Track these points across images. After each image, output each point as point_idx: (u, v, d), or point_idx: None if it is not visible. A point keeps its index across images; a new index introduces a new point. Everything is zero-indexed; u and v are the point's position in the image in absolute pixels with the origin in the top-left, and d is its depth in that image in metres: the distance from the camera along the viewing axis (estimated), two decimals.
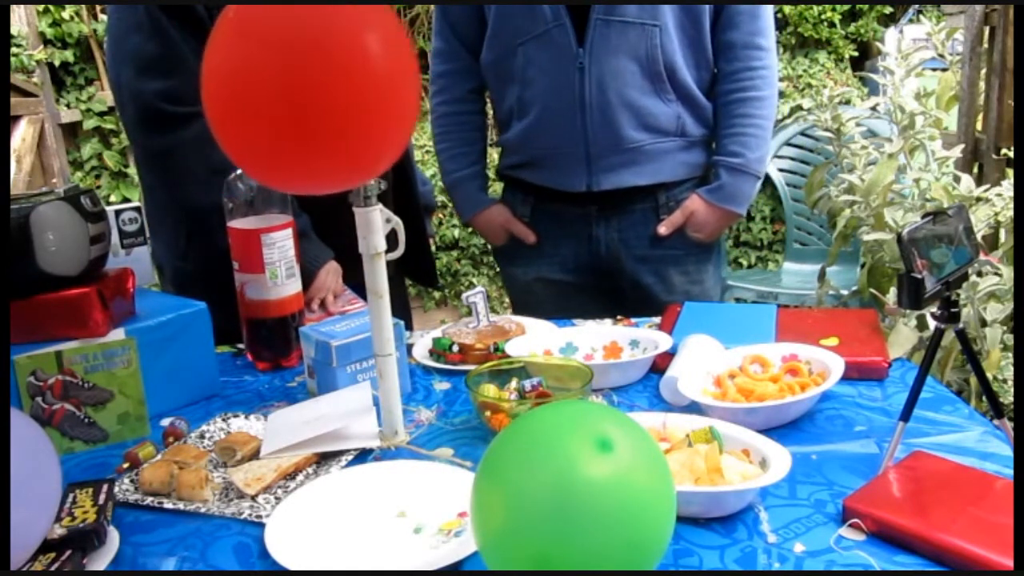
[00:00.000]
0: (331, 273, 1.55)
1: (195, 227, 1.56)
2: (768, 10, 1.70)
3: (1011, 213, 1.61)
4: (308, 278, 1.50)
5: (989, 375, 1.51)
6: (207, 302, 1.29)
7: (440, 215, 4.10)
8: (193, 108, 1.12)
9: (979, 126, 2.47)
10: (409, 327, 1.79)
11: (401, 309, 1.81)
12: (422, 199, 1.84)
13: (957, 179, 1.73)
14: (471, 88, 1.85)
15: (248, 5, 0.85)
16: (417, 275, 1.93)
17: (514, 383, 1.14)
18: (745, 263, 4.27)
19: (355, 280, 1.28)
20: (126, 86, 1.48)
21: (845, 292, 2.15)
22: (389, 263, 1.07)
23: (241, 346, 1.43)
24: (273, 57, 0.83)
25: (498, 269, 4.23)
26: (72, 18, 4.11)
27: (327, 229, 1.56)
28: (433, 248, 2.00)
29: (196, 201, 1.48)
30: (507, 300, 2.02)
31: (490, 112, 1.93)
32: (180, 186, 1.52)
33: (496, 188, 1.98)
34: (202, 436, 1.13)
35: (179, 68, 1.42)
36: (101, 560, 0.85)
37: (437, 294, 4.23)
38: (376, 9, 0.87)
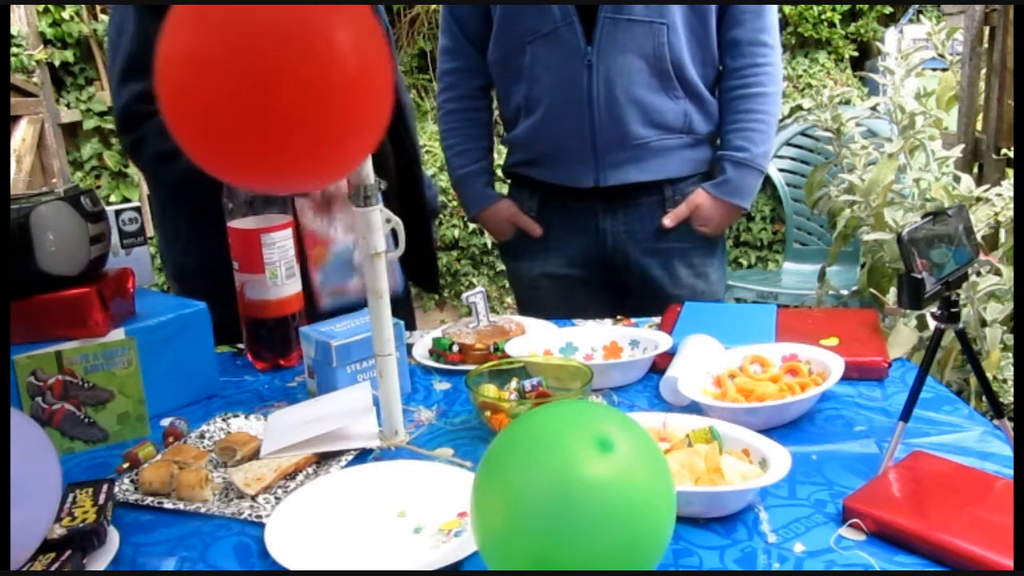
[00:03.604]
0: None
1: (193, 220, 1.56)
2: (772, 8, 1.71)
3: (1011, 213, 1.61)
4: None
5: (989, 375, 1.51)
6: (209, 297, 1.29)
7: (439, 215, 4.10)
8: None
9: (979, 126, 2.47)
10: (412, 327, 1.78)
11: (405, 311, 1.80)
12: (428, 203, 1.84)
13: (957, 179, 1.73)
14: (478, 85, 1.85)
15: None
16: (420, 279, 1.93)
17: (514, 383, 1.14)
18: (745, 263, 4.27)
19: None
20: (114, 90, 1.50)
21: (845, 292, 2.15)
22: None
23: (241, 346, 1.43)
24: (236, 41, 0.74)
25: (498, 269, 4.24)
26: (72, 18, 4.11)
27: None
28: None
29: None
30: (507, 300, 2.02)
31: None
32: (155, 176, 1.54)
33: (501, 188, 1.98)
34: (202, 436, 1.13)
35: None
36: (101, 560, 0.85)
37: (437, 294, 4.24)
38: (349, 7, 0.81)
